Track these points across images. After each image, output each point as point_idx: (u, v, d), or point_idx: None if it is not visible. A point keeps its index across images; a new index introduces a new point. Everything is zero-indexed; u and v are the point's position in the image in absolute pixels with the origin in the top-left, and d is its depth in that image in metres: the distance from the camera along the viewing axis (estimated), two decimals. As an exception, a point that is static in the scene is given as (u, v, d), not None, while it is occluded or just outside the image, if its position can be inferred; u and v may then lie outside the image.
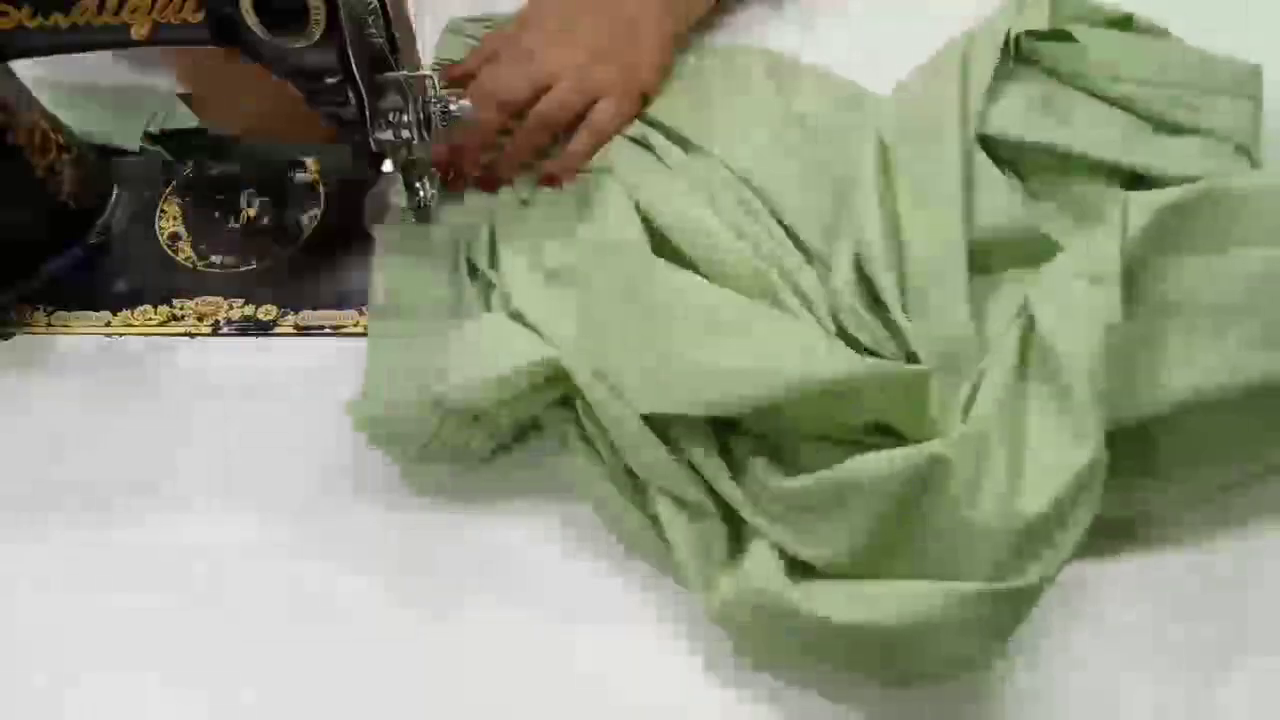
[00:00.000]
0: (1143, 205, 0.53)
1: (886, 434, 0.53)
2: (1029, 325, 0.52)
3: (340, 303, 0.65)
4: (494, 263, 0.62)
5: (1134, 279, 0.52)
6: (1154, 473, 0.53)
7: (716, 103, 0.67)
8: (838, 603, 0.47)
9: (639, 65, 0.66)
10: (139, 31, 0.55)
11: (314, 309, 0.65)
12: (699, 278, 0.56)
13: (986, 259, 0.58)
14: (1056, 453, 0.47)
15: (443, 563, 0.55)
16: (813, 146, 0.65)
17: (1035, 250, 0.58)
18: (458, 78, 0.68)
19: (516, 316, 0.57)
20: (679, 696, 0.51)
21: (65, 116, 0.67)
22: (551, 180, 0.64)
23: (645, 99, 0.67)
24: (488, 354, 0.54)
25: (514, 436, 0.58)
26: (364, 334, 0.63)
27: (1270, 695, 0.50)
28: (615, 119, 0.65)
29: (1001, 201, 0.59)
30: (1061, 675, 0.51)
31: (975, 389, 0.51)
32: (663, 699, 0.51)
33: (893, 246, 0.57)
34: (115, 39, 0.55)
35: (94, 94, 0.72)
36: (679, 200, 0.60)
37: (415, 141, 0.57)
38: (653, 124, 0.67)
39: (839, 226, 0.60)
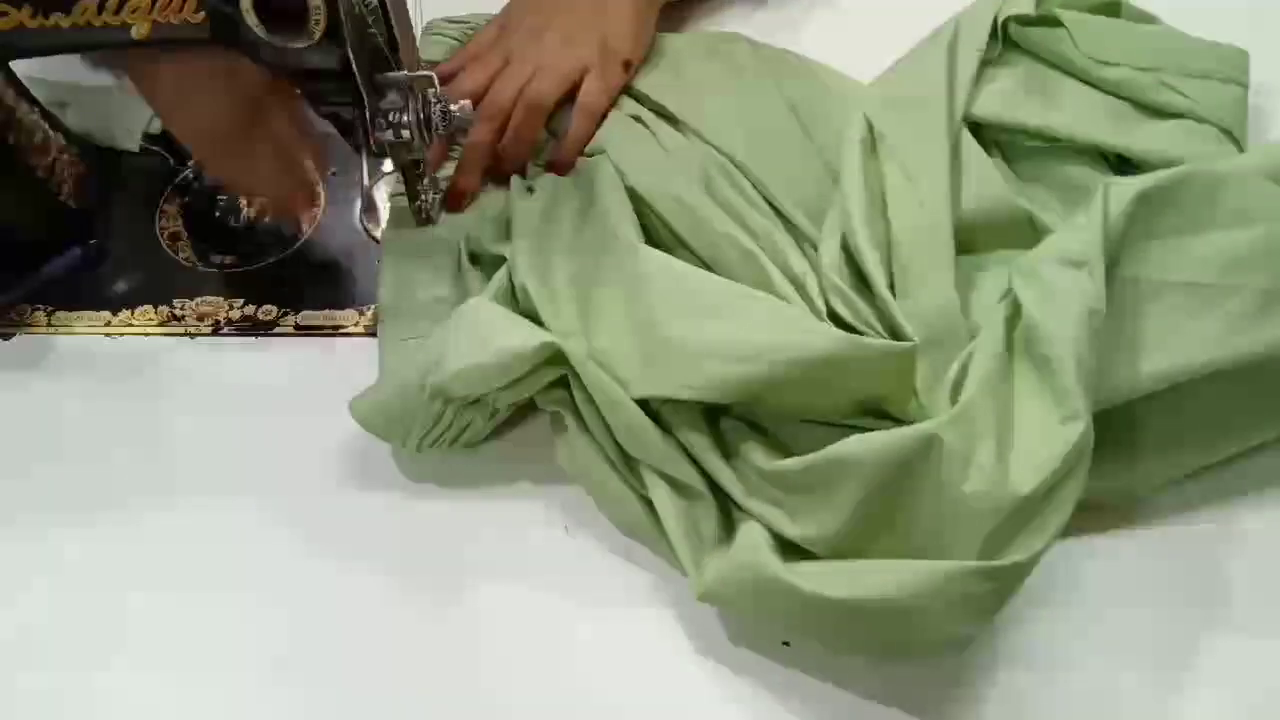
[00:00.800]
0: (1123, 190, 0.53)
1: (875, 416, 0.53)
2: (1015, 308, 0.52)
3: (340, 303, 0.65)
4: (504, 235, 0.62)
5: (1116, 262, 0.52)
6: (1139, 454, 0.53)
7: (707, 86, 0.67)
8: (827, 579, 0.48)
9: (614, 36, 0.66)
10: (139, 31, 0.55)
11: (314, 309, 0.65)
12: (689, 266, 0.56)
13: (972, 240, 0.59)
14: (1044, 434, 0.48)
15: (443, 557, 0.56)
16: (801, 129, 0.65)
17: (1022, 232, 0.59)
18: (440, 76, 0.68)
19: (522, 293, 0.58)
20: (680, 682, 0.52)
21: (65, 116, 0.67)
22: (558, 166, 0.64)
23: (629, 68, 0.67)
24: (486, 340, 0.54)
25: (510, 419, 0.58)
26: (364, 334, 0.63)
27: (1262, 684, 0.51)
28: (603, 92, 0.66)
29: (988, 183, 0.60)
30: (1059, 675, 0.51)
31: (963, 369, 0.52)
32: (664, 685, 0.52)
33: (879, 227, 0.58)
34: (115, 39, 0.55)
35: (94, 94, 0.72)
36: (673, 182, 0.60)
37: (415, 142, 0.57)
38: (644, 103, 0.67)
39: (827, 207, 0.60)
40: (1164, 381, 0.52)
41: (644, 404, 0.53)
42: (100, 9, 0.54)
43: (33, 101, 0.63)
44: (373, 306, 0.64)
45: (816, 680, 0.51)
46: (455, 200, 0.65)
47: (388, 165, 0.68)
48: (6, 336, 0.64)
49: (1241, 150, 0.62)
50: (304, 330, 0.64)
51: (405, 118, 0.56)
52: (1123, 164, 0.63)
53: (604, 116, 0.66)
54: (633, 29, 0.67)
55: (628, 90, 0.67)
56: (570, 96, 0.65)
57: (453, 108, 0.57)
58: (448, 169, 0.67)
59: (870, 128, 0.61)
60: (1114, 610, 0.53)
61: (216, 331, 0.64)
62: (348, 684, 0.52)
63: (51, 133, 0.64)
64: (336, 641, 0.54)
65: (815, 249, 0.60)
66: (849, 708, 0.51)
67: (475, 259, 0.63)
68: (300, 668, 0.53)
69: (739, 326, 0.52)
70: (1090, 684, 0.51)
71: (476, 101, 0.64)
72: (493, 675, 0.52)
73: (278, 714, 0.52)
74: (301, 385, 0.61)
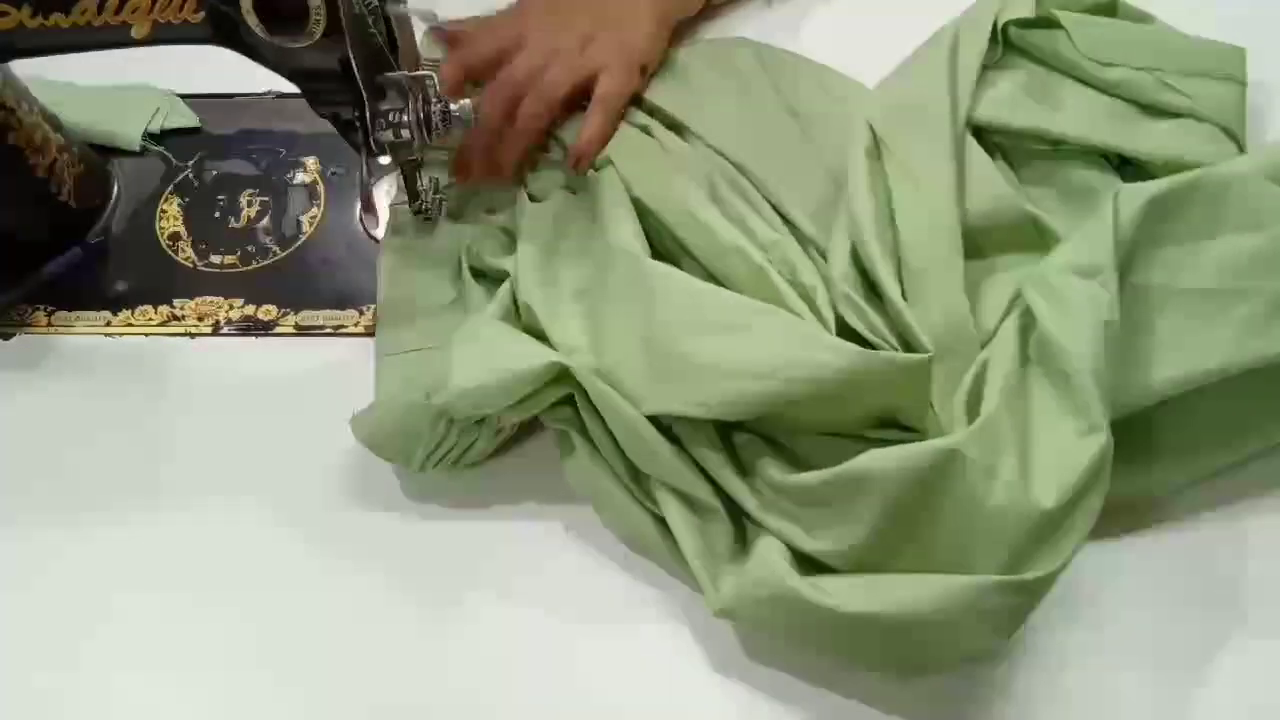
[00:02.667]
0: (1133, 196, 0.53)
1: (890, 427, 0.53)
2: (1028, 318, 0.52)
3: (340, 303, 0.65)
4: (507, 249, 0.62)
5: (1127, 269, 0.52)
6: (1156, 458, 0.53)
7: (711, 93, 0.67)
8: (847, 594, 0.47)
9: (634, 39, 0.66)
10: (139, 31, 0.55)
11: (314, 309, 0.65)
12: (700, 281, 0.56)
13: (978, 245, 0.59)
14: (1064, 445, 0.48)
15: (445, 563, 0.55)
16: (805, 135, 0.65)
17: (1027, 236, 0.59)
18: (451, 40, 0.67)
19: (525, 309, 0.57)
20: (682, 699, 0.52)
21: (65, 116, 0.67)
22: (579, 162, 0.63)
23: (644, 73, 0.67)
24: (490, 360, 0.54)
25: (516, 436, 0.58)
26: (364, 334, 0.63)
27: (1265, 684, 0.51)
28: (619, 91, 0.65)
29: (993, 187, 0.60)
30: (1061, 674, 0.51)
31: (978, 380, 0.52)
32: (666, 702, 0.52)
33: (887, 235, 0.58)
34: (115, 39, 0.55)
35: (94, 94, 0.72)
36: (680, 193, 0.60)
37: (415, 142, 0.57)
38: (653, 112, 0.67)
39: (834, 215, 0.60)
40: (1179, 387, 0.52)
41: (655, 419, 0.53)
42: (100, 9, 0.54)
43: (32, 101, 0.63)
44: (372, 307, 0.64)
45: (822, 677, 0.51)
46: (461, 171, 0.64)
47: (388, 166, 0.68)
48: (6, 336, 0.64)
49: (1241, 148, 0.62)
50: (304, 330, 0.64)
51: (405, 118, 0.56)
52: (1124, 164, 0.63)
53: (620, 117, 0.65)
54: (650, 35, 0.67)
55: (637, 102, 0.67)
56: (583, 100, 0.65)
57: (452, 107, 0.57)
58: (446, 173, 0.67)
59: (874, 135, 0.61)
60: (1116, 610, 0.52)
61: (216, 331, 0.64)
62: (346, 689, 0.52)
63: (51, 133, 0.64)
64: (335, 645, 0.53)
65: (823, 256, 0.59)
66: (850, 707, 0.51)
67: (477, 274, 0.62)
68: (300, 672, 0.53)
69: (752, 343, 0.52)
70: (1091, 684, 0.51)
71: (486, 72, 0.64)
72: (494, 692, 0.52)
73: (277, 717, 0.52)
74: (301, 386, 0.61)
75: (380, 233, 0.65)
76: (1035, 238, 0.59)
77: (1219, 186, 0.54)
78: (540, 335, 0.56)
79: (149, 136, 0.71)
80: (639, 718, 0.51)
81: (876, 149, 0.61)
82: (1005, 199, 0.59)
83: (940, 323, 0.55)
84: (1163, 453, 0.54)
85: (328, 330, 0.64)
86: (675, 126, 0.65)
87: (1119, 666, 0.51)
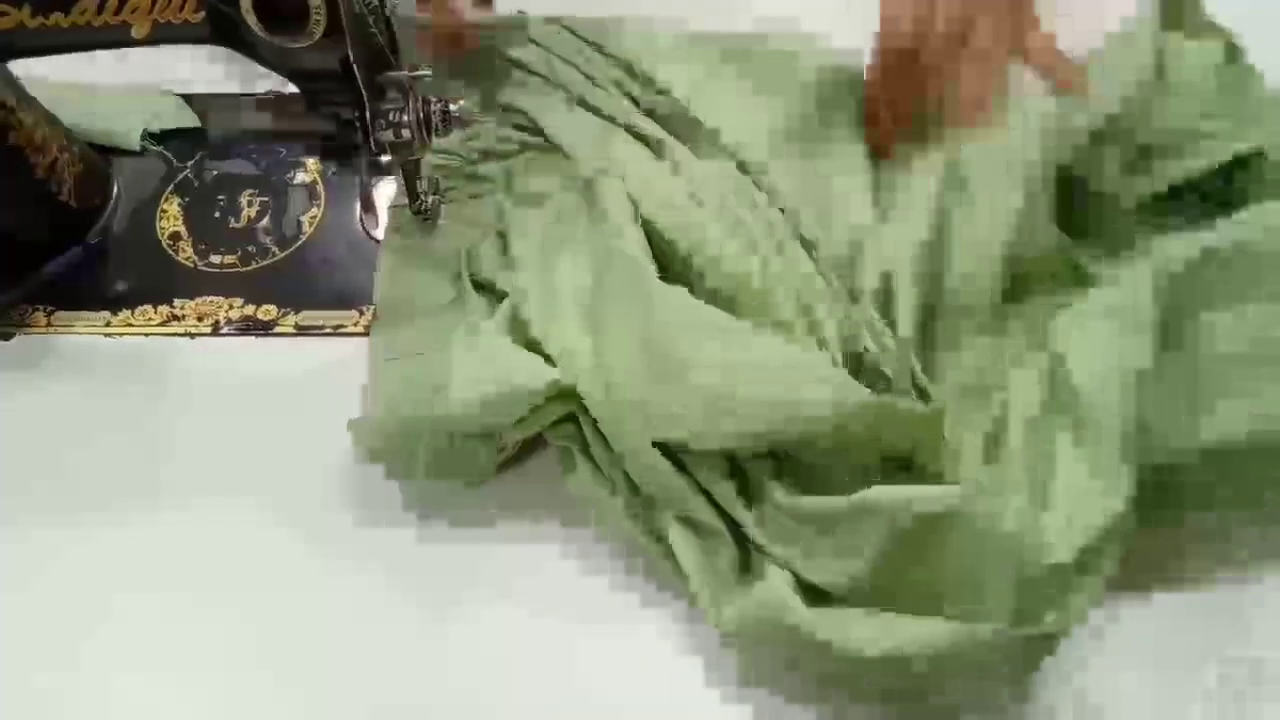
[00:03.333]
0: (1175, 251, 0.52)
1: (902, 467, 0.52)
2: (1057, 364, 0.51)
3: (340, 303, 0.65)
4: (506, 265, 0.61)
5: (1166, 326, 0.51)
6: (1170, 515, 0.52)
7: (728, 93, 0.66)
8: (853, 632, 0.47)
9: None
10: (139, 31, 0.55)
11: (314, 309, 0.65)
12: (712, 309, 0.54)
13: (1014, 280, 0.58)
14: (1085, 500, 0.47)
15: (445, 564, 0.55)
16: (816, 130, 0.64)
17: (1065, 275, 0.58)
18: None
19: (524, 324, 0.57)
20: (682, 699, 0.52)
21: (65, 116, 0.67)
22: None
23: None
24: (494, 375, 0.53)
25: (518, 453, 0.58)
26: (364, 334, 0.63)
27: (1266, 689, 0.51)
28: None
29: (1037, 223, 0.57)
30: (1060, 675, 0.51)
31: (998, 422, 0.51)
32: (666, 702, 0.52)
33: (919, 265, 0.57)
34: (115, 39, 0.55)
35: (94, 94, 0.72)
36: (683, 212, 0.59)
37: (415, 142, 0.57)
38: (658, 117, 0.66)
39: (838, 222, 0.60)
40: (1212, 450, 0.50)
41: (660, 442, 0.52)
42: (100, 9, 0.54)
43: (32, 101, 0.64)
44: (372, 307, 0.63)
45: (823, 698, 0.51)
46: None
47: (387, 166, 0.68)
48: (6, 336, 0.64)
49: None
50: (304, 330, 0.64)
51: (405, 118, 0.56)
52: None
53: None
54: None
55: (645, 107, 0.66)
56: None
57: (452, 108, 0.57)
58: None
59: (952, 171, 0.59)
60: (1117, 611, 0.52)
61: (216, 331, 0.64)
62: (346, 689, 0.52)
63: (51, 132, 0.64)
64: (335, 646, 0.53)
65: (834, 271, 0.58)
66: (850, 707, 0.51)
67: (477, 284, 0.62)
68: (300, 672, 0.53)
69: (764, 378, 0.51)
70: (1092, 684, 0.51)
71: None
72: (492, 699, 0.52)
73: (277, 717, 0.52)
74: (301, 386, 0.61)
75: (380, 233, 0.65)
76: (1072, 278, 0.57)
77: (1266, 248, 0.52)
78: (540, 340, 0.56)
79: (149, 136, 0.71)
80: (639, 718, 0.51)
81: (947, 182, 0.59)
82: (1046, 235, 0.57)
83: (965, 358, 0.55)
84: (1190, 504, 0.52)
85: (327, 330, 0.64)
86: (678, 135, 0.64)
87: (1119, 667, 0.51)
